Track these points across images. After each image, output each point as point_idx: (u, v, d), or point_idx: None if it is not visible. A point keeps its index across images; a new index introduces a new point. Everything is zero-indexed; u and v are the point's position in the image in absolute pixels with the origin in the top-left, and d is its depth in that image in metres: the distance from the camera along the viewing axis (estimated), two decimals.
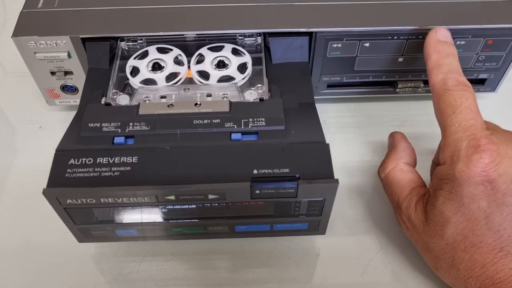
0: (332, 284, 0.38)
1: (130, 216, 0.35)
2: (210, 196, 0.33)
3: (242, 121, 0.35)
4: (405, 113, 0.48)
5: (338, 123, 0.47)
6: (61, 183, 0.32)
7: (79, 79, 0.43)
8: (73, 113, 0.37)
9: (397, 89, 0.45)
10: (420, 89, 0.45)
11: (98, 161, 0.33)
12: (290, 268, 0.39)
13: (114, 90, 0.38)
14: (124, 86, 0.39)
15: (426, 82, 0.45)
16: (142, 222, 0.35)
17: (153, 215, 0.35)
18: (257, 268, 0.39)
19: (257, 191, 0.32)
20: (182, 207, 0.34)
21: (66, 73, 0.43)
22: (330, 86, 0.45)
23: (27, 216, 0.42)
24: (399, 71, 0.44)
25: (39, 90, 0.45)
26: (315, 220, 0.36)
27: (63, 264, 0.39)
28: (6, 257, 0.40)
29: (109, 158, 0.33)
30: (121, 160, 0.33)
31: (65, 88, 0.44)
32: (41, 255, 0.40)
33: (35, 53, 0.40)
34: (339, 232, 0.41)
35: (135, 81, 0.39)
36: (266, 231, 0.37)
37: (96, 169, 0.33)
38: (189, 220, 0.36)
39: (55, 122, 0.48)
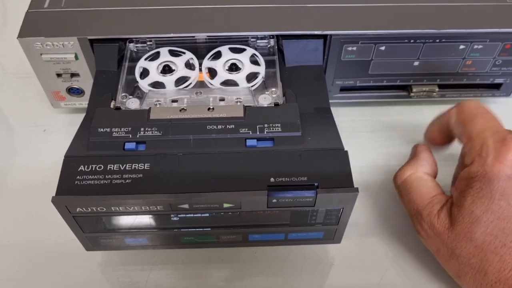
0: None
1: (140, 225, 0.34)
2: (225, 205, 0.31)
3: (257, 127, 0.34)
4: (419, 118, 0.47)
5: (350, 127, 0.46)
6: (70, 190, 0.31)
7: (85, 82, 0.42)
8: (78, 115, 0.35)
9: (412, 93, 0.44)
10: (435, 93, 0.44)
11: (108, 167, 0.32)
12: (303, 277, 0.38)
13: (123, 94, 0.37)
14: (134, 90, 0.38)
15: (441, 87, 0.44)
16: (153, 231, 0.34)
17: (165, 224, 0.34)
18: (270, 277, 0.38)
19: (274, 200, 0.31)
20: (195, 215, 0.33)
21: (73, 75, 0.41)
22: (343, 90, 0.44)
23: (31, 223, 0.40)
24: (414, 75, 0.43)
25: (44, 92, 0.43)
26: (331, 229, 0.35)
27: (69, 272, 0.38)
28: (9, 265, 0.38)
29: (120, 165, 0.32)
30: (133, 167, 0.32)
31: (71, 91, 0.43)
32: (46, 263, 0.38)
33: (41, 54, 0.39)
34: (353, 240, 0.40)
35: (143, 84, 0.38)
36: (280, 240, 0.36)
37: (107, 176, 0.32)
38: (202, 229, 0.34)
39: (59, 125, 0.46)
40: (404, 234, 0.40)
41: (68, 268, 0.38)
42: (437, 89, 0.44)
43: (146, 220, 0.33)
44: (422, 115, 0.47)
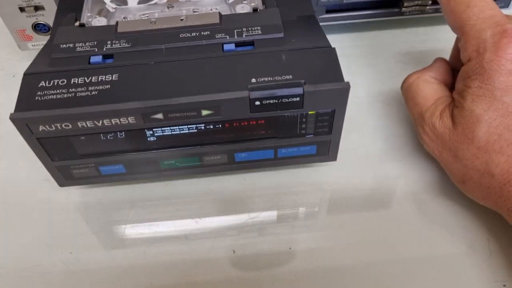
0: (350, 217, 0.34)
1: (114, 147, 0.30)
2: (204, 112, 0.28)
3: (235, 31, 0.31)
4: (412, 38, 0.44)
5: (340, 54, 0.43)
6: (30, 107, 0.28)
7: (51, 16, 0.38)
8: None
9: (403, 9, 0.41)
10: (428, 7, 0.41)
11: (72, 81, 0.29)
12: (298, 205, 0.35)
13: (88, 14, 0.34)
14: (100, 11, 0.35)
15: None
16: (129, 154, 0.31)
17: (141, 144, 0.31)
18: (262, 207, 0.35)
19: (257, 102, 0.28)
20: (172, 132, 0.30)
21: (37, 8, 0.38)
22: (329, 11, 0.41)
23: (1, 168, 0.37)
24: None
25: (10, 35, 0.40)
26: (324, 141, 0.32)
27: (44, 216, 0.35)
28: None
29: (86, 78, 0.29)
30: (99, 79, 0.29)
31: (37, 28, 0.40)
32: (19, 208, 0.35)
33: None
34: (351, 161, 0.36)
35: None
36: (269, 159, 0.33)
37: (70, 90, 0.29)
38: (182, 148, 0.31)
39: None
40: (408, 151, 0.37)
41: (43, 211, 0.35)
42: (430, 2, 0.41)
43: (120, 140, 0.30)
44: (416, 36, 0.44)
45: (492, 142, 0.29)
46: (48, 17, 0.39)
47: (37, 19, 0.39)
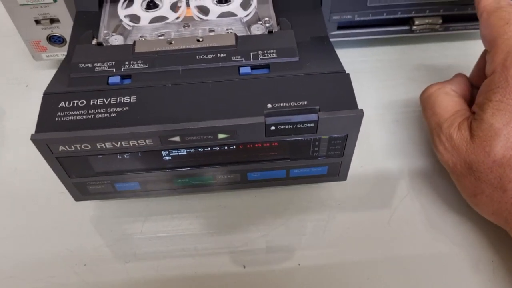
0: (357, 235, 0.35)
1: (130, 166, 0.31)
2: (220, 136, 0.29)
3: (251, 54, 0.31)
4: (422, 55, 0.44)
5: (350, 69, 0.44)
6: (51, 127, 0.28)
7: (66, 28, 0.39)
8: None
9: (414, 27, 0.41)
10: (438, 26, 0.41)
11: (91, 102, 0.30)
12: (307, 222, 0.36)
13: (105, 31, 0.35)
14: (116, 28, 0.35)
15: (444, 18, 0.41)
16: (144, 172, 0.32)
17: (156, 163, 0.31)
18: (272, 223, 0.35)
19: (272, 127, 0.29)
20: (188, 151, 0.30)
21: (52, 21, 0.39)
22: (340, 27, 0.42)
23: (17, 180, 0.38)
24: (416, 5, 0.40)
25: (25, 44, 0.41)
26: (335, 162, 0.32)
27: (59, 227, 0.36)
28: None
29: (104, 99, 0.30)
30: (118, 100, 0.30)
31: (52, 40, 0.40)
32: (35, 219, 0.36)
33: None
34: (359, 178, 0.37)
35: (120, 12, 0.35)
36: (281, 179, 0.34)
37: (90, 111, 0.29)
38: (196, 168, 0.32)
39: (43, 80, 0.44)
40: (416, 168, 0.37)
41: (58, 223, 0.36)
42: (440, 21, 0.41)
43: (136, 160, 0.31)
44: (425, 52, 0.45)
45: (508, 157, 0.30)
46: (63, 29, 0.39)
47: (52, 31, 0.39)
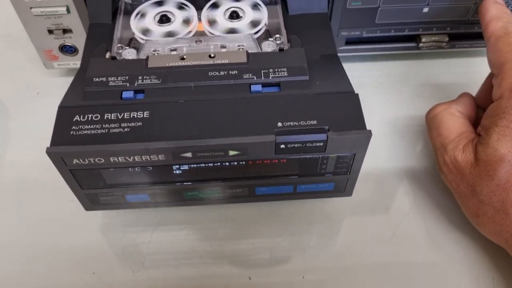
0: (359, 252, 0.35)
1: (141, 179, 0.32)
2: (231, 153, 0.30)
3: (262, 72, 0.32)
4: (428, 71, 0.45)
5: (356, 82, 0.44)
6: (66, 141, 0.29)
7: (78, 38, 0.40)
8: (72, 78, 0.33)
9: (421, 44, 0.42)
10: (444, 43, 0.42)
11: (106, 117, 0.30)
12: (312, 235, 0.36)
13: (119, 45, 0.35)
14: (130, 41, 0.36)
15: (451, 37, 0.42)
16: (154, 186, 0.32)
17: (167, 177, 0.32)
18: (277, 236, 0.36)
19: (282, 146, 0.29)
20: (198, 166, 0.31)
21: (65, 31, 0.39)
22: (348, 43, 0.42)
23: (27, 187, 0.39)
24: (423, 23, 0.41)
25: (37, 52, 0.41)
26: (342, 179, 0.33)
27: (68, 235, 0.36)
28: (4, 229, 0.37)
29: (118, 114, 0.30)
30: (131, 115, 0.30)
31: (64, 49, 0.41)
32: (44, 227, 0.37)
33: (30, 8, 0.37)
34: (364, 193, 0.38)
35: (133, 25, 0.36)
36: (288, 194, 0.35)
37: (104, 125, 0.30)
38: (206, 182, 0.33)
39: (53, 87, 0.44)
40: (421, 183, 0.38)
41: (68, 231, 0.36)
42: (447, 39, 0.42)
43: (147, 173, 0.31)
44: (431, 68, 0.45)
45: None
46: (75, 39, 0.40)
47: (64, 41, 0.40)
